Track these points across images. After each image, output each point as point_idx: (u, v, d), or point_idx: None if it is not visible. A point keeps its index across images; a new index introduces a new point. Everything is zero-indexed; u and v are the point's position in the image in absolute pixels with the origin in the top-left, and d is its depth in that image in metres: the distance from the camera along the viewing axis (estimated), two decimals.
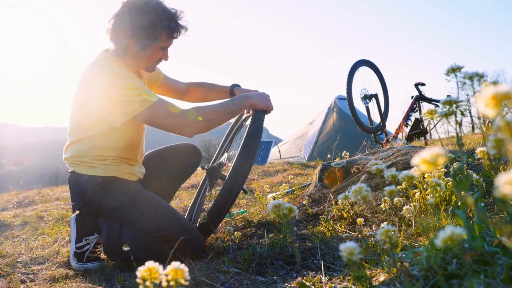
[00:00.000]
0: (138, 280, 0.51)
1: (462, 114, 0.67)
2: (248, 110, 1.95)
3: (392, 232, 0.64)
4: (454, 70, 0.68)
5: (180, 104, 1.95)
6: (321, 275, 1.13)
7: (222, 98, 2.32)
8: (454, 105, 0.66)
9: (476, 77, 0.61)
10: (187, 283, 0.52)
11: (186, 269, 0.52)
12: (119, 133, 1.84)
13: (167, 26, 1.79)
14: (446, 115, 0.67)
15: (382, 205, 1.43)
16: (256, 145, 1.79)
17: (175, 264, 0.52)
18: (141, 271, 0.51)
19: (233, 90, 2.27)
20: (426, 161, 0.51)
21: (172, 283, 0.50)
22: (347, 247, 0.56)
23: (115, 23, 1.78)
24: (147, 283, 0.50)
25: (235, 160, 1.77)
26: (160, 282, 0.50)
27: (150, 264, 0.51)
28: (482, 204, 1.48)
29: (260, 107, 1.91)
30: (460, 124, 0.68)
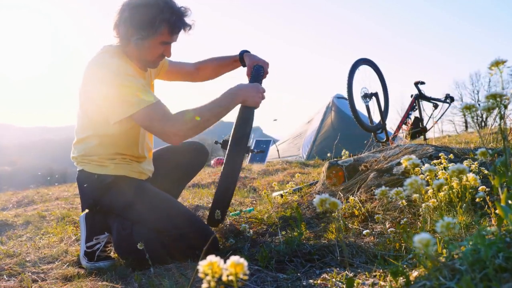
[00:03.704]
0: (200, 275, 0.50)
1: (505, 107, 0.67)
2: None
3: (453, 224, 0.64)
4: (498, 63, 0.68)
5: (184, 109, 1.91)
6: (346, 272, 1.13)
7: (234, 69, 2.30)
8: (498, 99, 0.66)
9: None
10: (246, 277, 0.51)
11: (246, 263, 0.51)
12: (124, 130, 1.81)
13: (167, 19, 1.72)
14: (489, 108, 0.67)
15: (400, 202, 1.44)
16: (244, 145, 1.85)
17: (235, 258, 0.51)
18: (202, 266, 0.50)
19: (242, 57, 2.21)
20: None
21: (231, 277, 0.50)
22: (421, 239, 0.55)
23: (119, 12, 1.76)
24: (208, 277, 0.49)
25: (226, 155, 1.83)
26: (220, 277, 0.50)
27: (211, 258, 0.51)
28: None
29: (250, 105, 1.86)
30: (502, 117, 0.68)
